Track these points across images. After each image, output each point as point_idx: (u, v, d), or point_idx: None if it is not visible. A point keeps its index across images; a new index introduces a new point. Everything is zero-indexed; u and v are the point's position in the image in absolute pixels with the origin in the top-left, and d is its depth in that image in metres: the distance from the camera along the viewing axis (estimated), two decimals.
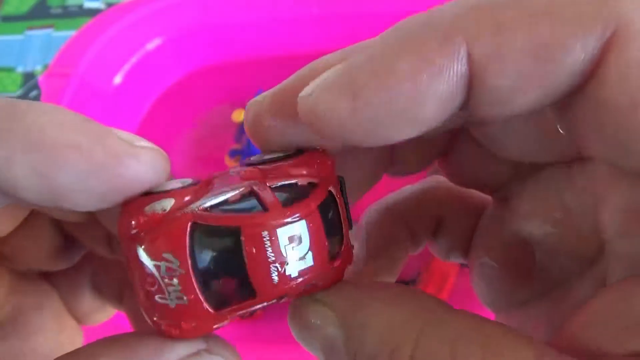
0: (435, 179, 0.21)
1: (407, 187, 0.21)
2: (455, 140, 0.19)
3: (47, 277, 0.20)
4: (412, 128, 0.13)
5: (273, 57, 0.56)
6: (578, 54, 0.12)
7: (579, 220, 0.17)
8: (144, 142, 0.15)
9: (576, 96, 0.13)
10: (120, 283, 0.21)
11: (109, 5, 0.71)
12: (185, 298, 0.14)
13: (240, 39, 0.56)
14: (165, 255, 0.13)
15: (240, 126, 0.58)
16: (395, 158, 0.19)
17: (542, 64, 0.12)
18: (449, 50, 0.12)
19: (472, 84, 0.13)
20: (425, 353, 0.13)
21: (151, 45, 0.53)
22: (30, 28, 0.70)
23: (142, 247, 0.14)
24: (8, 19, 0.71)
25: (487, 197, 0.20)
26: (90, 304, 0.21)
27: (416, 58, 0.12)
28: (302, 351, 0.16)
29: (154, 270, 0.14)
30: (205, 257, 0.14)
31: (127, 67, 0.52)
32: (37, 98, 0.64)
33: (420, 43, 0.13)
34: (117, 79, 0.52)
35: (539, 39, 0.12)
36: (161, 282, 0.14)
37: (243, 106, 0.60)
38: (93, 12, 0.68)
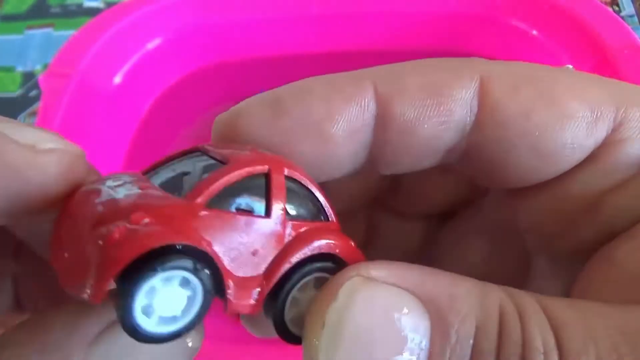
0: None
1: None
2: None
3: None
4: (325, 145, 0.15)
5: (273, 57, 0.56)
6: (459, 91, 0.15)
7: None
8: (50, 142, 0.13)
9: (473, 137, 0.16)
10: (43, 291, 0.18)
11: (109, 4, 0.71)
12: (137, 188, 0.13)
13: (240, 39, 0.56)
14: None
15: None
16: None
17: (434, 97, 0.15)
18: (358, 84, 0.15)
19: (381, 114, 0.15)
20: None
21: (151, 45, 0.53)
22: (30, 27, 0.70)
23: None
24: (7, 18, 0.71)
25: None
26: (12, 314, 0.19)
27: (331, 87, 0.15)
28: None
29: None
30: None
31: (127, 67, 0.52)
32: (37, 97, 0.64)
33: (333, 79, 0.16)
34: (117, 79, 0.51)
35: (428, 79, 0.15)
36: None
37: None
38: (93, 12, 0.68)
